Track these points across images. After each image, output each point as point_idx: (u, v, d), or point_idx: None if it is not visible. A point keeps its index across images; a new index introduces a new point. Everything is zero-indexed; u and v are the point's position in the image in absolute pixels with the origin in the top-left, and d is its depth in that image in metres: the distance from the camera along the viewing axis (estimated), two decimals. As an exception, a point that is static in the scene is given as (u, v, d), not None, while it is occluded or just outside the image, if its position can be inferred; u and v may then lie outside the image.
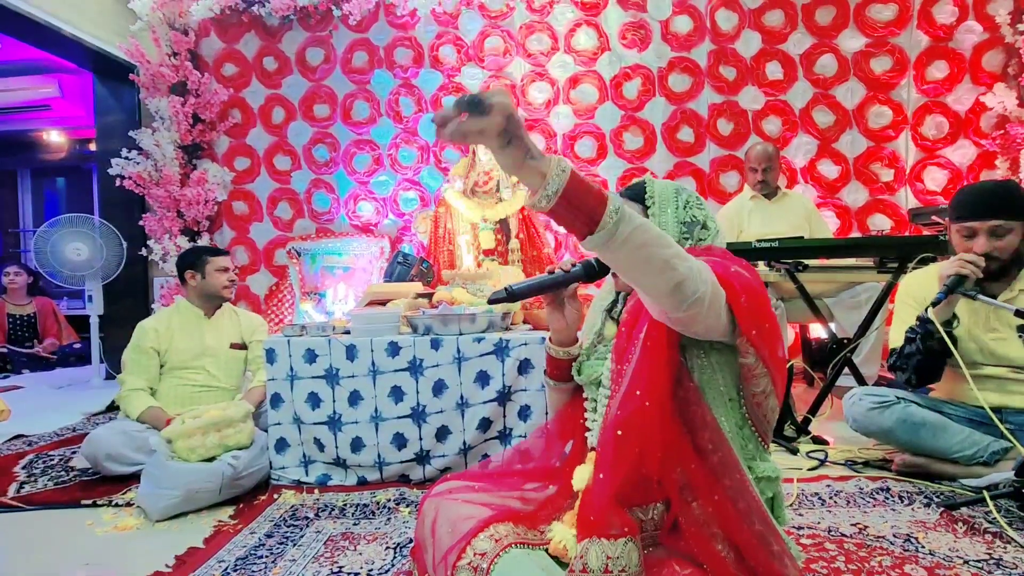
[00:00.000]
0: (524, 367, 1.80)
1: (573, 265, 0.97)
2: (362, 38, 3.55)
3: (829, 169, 3.39)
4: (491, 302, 0.96)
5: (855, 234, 3.33)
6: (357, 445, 1.82)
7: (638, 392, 0.80)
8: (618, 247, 0.68)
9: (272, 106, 3.63)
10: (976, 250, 1.55)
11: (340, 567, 1.29)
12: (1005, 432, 1.43)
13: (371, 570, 1.27)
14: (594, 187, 0.68)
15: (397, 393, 1.81)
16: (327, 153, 3.62)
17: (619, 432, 0.79)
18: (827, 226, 3.04)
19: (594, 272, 0.96)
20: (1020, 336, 1.40)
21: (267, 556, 1.35)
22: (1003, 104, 3.09)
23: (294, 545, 1.41)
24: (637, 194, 0.95)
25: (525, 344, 1.79)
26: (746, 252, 2.28)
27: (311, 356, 1.84)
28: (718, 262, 0.82)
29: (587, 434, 0.97)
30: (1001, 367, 1.65)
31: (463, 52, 3.51)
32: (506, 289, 0.93)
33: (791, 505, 1.55)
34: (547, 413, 1.79)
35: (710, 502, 0.80)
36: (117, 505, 1.71)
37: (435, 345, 1.80)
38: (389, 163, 3.60)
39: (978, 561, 1.23)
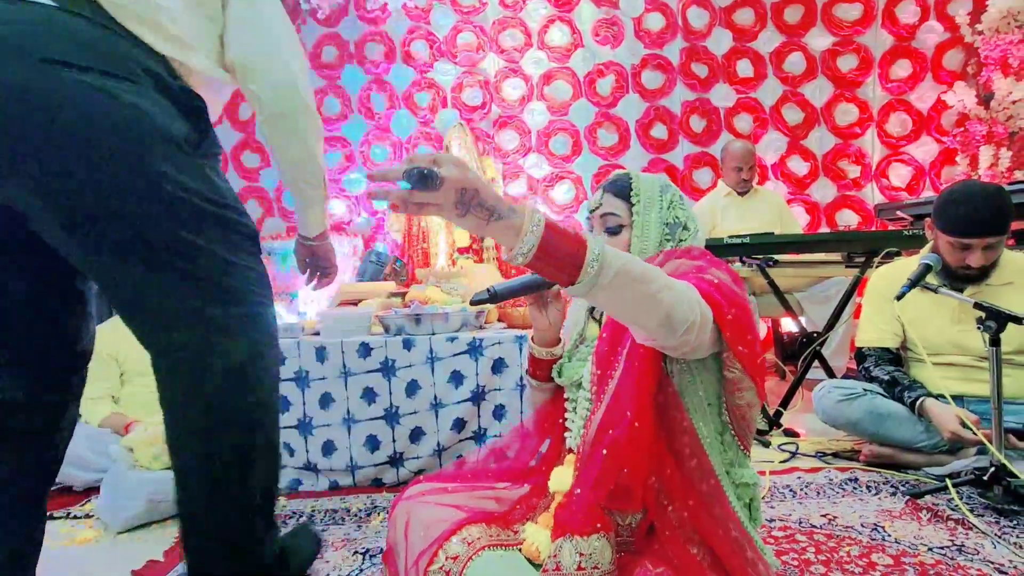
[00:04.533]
0: (498, 366, 1.78)
1: None
2: (331, 32, 3.48)
3: (798, 166, 3.46)
4: (473, 303, 0.93)
5: (824, 229, 3.40)
6: (328, 449, 1.78)
7: (629, 413, 0.77)
8: (601, 291, 0.67)
9: (238, 102, 3.54)
10: (972, 264, 1.58)
11: (307, 574, 1.25)
12: (982, 437, 1.45)
13: (340, 577, 1.25)
14: (571, 235, 0.66)
15: (369, 395, 1.77)
16: (297, 150, 3.54)
17: (605, 452, 0.77)
18: (797, 222, 3.10)
19: None
20: (979, 328, 1.44)
21: (232, 566, 1.30)
22: (963, 102, 3.19)
23: (260, 554, 1.36)
24: (623, 191, 0.93)
25: (499, 343, 1.77)
26: (718, 248, 2.31)
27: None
28: (699, 277, 0.80)
29: (566, 435, 0.96)
30: (964, 356, 1.70)
31: (435, 47, 3.47)
32: (488, 290, 0.90)
33: (763, 498, 1.57)
34: (522, 412, 1.78)
35: (685, 507, 0.80)
36: (75, 517, 1.64)
37: (408, 345, 1.77)
38: (361, 160, 3.54)
39: (941, 548, 1.26)
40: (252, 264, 0.95)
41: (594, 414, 0.83)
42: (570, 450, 0.93)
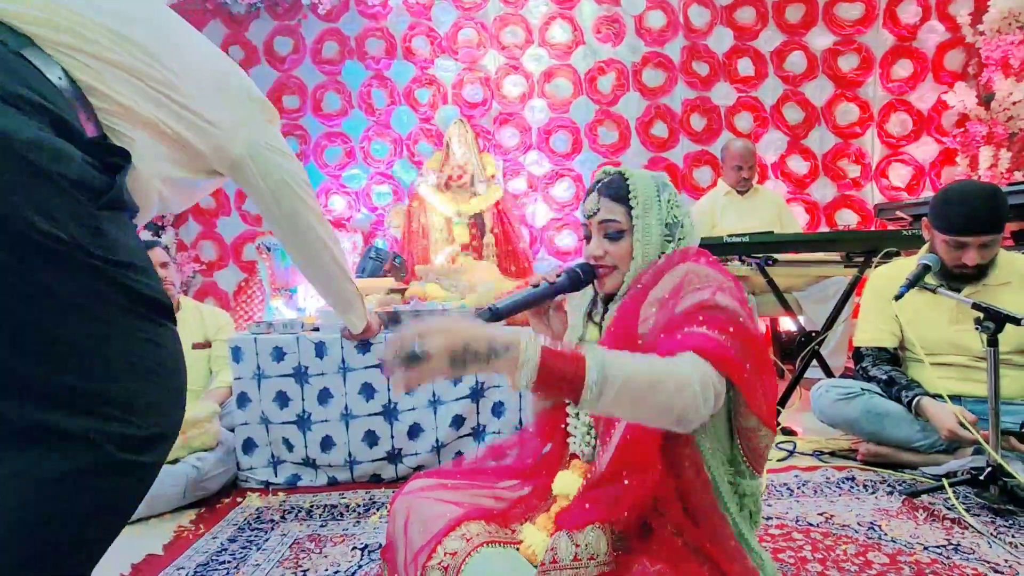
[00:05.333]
0: (497, 363, 1.78)
1: (558, 275, 0.94)
2: (332, 28, 3.47)
3: (799, 165, 3.45)
4: None
5: (823, 229, 3.40)
6: (327, 444, 1.78)
7: (648, 451, 0.78)
8: (609, 404, 0.69)
9: (239, 97, 3.53)
10: (968, 263, 1.59)
11: (305, 571, 1.26)
12: (979, 437, 1.46)
13: (337, 572, 1.25)
14: (569, 356, 0.68)
15: (368, 390, 1.78)
16: (297, 146, 3.53)
17: (627, 482, 0.78)
18: (796, 221, 3.10)
19: (579, 281, 0.94)
20: (977, 328, 1.44)
21: (230, 561, 1.31)
22: (963, 103, 3.19)
23: (258, 549, 1.37)
24: (619, 193, 0.91)
25: (498, 340, 1.77)
26: (718, 247, 2.31)
27: (279, 354, 1.80)
28: (707, 332, 0.75)
29: (568, 440, 0.95)
30: (962, 356, 1.70)
31: (436, 44, 3.46)
32: (490, 308, 0.89)
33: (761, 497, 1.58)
34: (521, 409, 1.78)
35: (683, 514, 0.80)
36: (74, 511, 1.64)
37: (407, 341, 1.77)
38: (361, 156, 3.53)
39: (937, 547, 1.27)
40: (150, 334, 0.74)
41: (609, 436, 0.83)
42: (574, 455, 0.93)
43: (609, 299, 0.94)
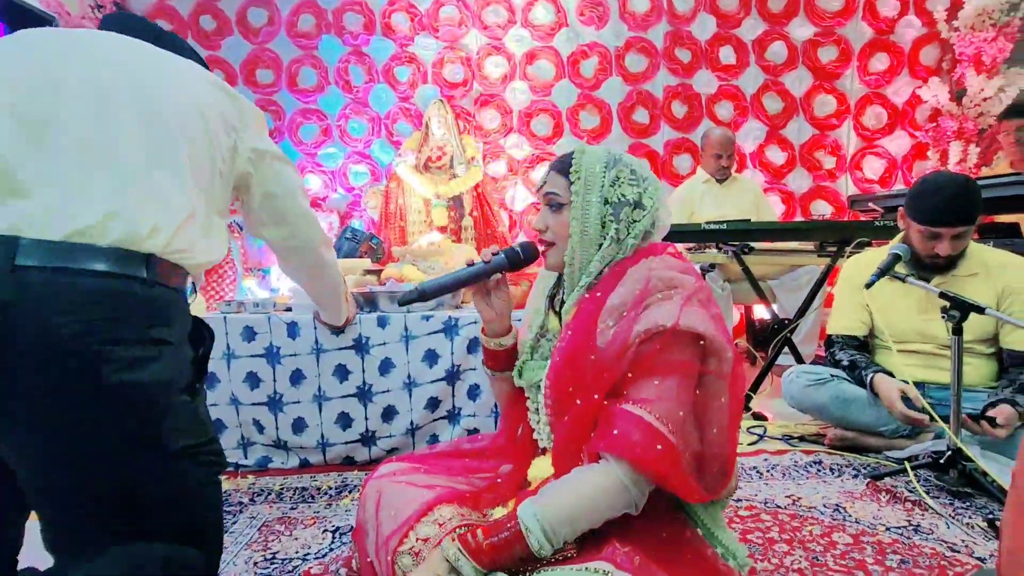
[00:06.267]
0: (474, 346, 1.77)
1: (495, 254, 0.92)
2: (308, 0, 3.35)
3: (776, 155, 3.49)
4: (402, 304, 0.91)
5: (798, 219, 3.46)
6: (299, 426, 1.75)
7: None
8: (562, 541, 0.74)
9: (210, 69, 3.39)
10: (940, 253, 1.62)
11: (274, 553, 1.24)
12: (925, 405, 1.51)
13: (307, 554, 1.23)
14: (509, 540, 0.72)
15: (342, 372, 1.74)
16: (271, 122, 3.42)
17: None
18: (773, 211, 3.14)
19: (519, 261, 0.92)
20: (943, 317, 1.48)
21: (196, 544, 1.28)
22: (936, 98, 3.25)
23: (226, 532, 1.34)
24: (565, 168, 0.89)
25: (475, 322, 1.76)
26: (695, 234, 2.32)
27: (250, 334, 1.75)
28: (648, 426, 0.74)
29: (534, 435, 0.94)
30: (928, 344, 1.75)
31: (416, 20, 3.38)
32: (417, 288, 0.88)
33: (731, 479, 1.60)
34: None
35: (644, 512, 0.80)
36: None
37: (382, 323, 1.74)
38: (338, 134, 3.45)
39: (898, 527, 1.31)
40: (211, 484, 0.89)
41: (556, 431, 0.84)
42: (544, 450, 0.92)
43: (566, 282, 0.91)
